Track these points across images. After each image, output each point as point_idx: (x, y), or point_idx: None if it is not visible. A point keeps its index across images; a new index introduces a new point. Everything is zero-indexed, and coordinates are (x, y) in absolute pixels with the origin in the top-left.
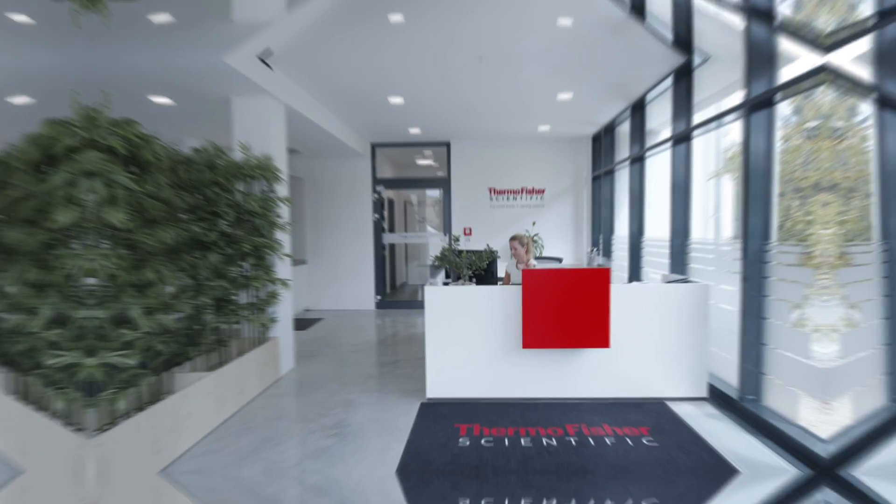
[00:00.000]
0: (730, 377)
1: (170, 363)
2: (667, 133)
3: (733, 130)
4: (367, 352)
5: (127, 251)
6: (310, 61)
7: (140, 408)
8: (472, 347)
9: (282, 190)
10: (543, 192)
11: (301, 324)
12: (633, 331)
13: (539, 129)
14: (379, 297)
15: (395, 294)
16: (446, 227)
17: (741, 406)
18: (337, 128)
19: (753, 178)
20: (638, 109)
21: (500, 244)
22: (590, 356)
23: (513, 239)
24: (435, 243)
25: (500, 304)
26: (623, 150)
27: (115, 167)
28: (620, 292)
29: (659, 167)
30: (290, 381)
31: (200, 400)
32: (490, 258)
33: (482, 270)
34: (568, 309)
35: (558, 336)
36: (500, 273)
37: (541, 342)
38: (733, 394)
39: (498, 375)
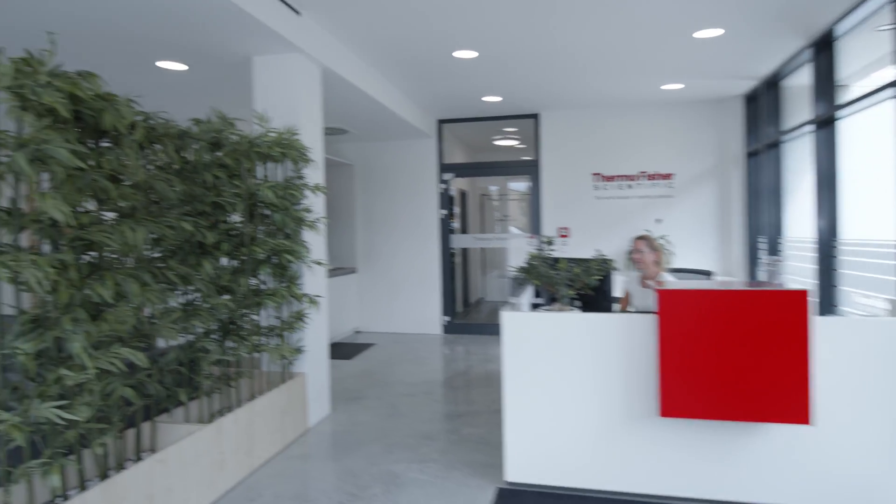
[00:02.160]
0: None
1: (155, 411)
2: (871, 82)
3: None
4: (428, 396)
5: (73, 256)
6: (350, 1)
7: (102, 476)
8: (577, 409)
9: (313, 175)
10: (671, 176)
11: (347, 350)
12: (851, 397)
13: (664, 89)
14: (448, 319)
15: (469, 314)
16: (535, 227)
17: None
18: (392, 98)
19: None
20: (824, 48)
21: (609, 249)
22: (776, 436)
23: (640, 239)
24: (521, 248)
25: (621, 343)
26: (796, 112)
27: (52, 135)
28: (825, 330)
29: (861, 135)
30: (319, 437)
31: (187, 465)
32: (602, 270)
33: (590, 289)
34: (737, 355)
35: (721, 400)
36: (617, 292)
37: (691, 408)
38: None
39: (618, 456)
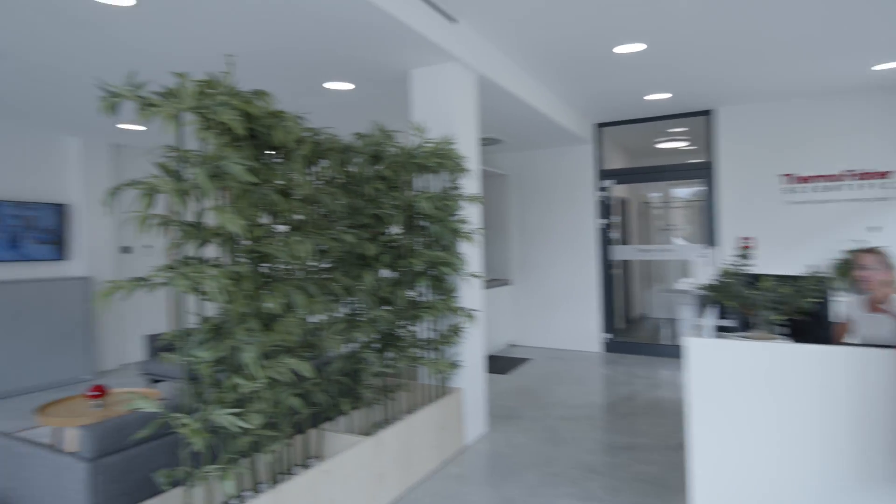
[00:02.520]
0: None
1: (316, 419)
2: None
3: None
4: (590, 422)
5: (249, 268)
6: (506, 2)
7: (272, 480)
8: (788, 461)
9: (469, 185)
10: (888, 175)
11: (502, 365)
12: None
13: (877, 70)
14: (609, 336)
15: (631, 331)
16: (708, 236)
17: None
18: (548, 103)
19: None
20: None
21: (806, 264)
22: None
23: (867, 253)
24: (691, 260)
25: (851, 384)
26: None
27: (228, 152)
28: None
29: None
30: (476, 457)
31: (350, 477)
32: (819, 291)
33: (805, 314)
34: None
35: None
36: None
37: None
38: None
39: None
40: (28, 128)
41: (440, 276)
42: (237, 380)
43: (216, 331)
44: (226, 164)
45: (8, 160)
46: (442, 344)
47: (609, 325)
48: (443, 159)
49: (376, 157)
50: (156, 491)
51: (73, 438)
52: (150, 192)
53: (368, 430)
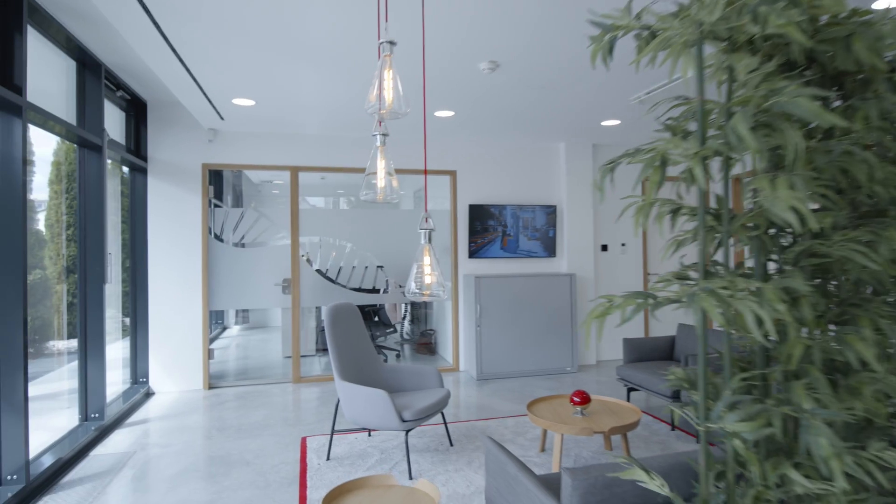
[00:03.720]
0: None
1: None
2: None
3: None
4: None
5: (807, 285)
6: None
7: None
8: None
9: None
10: None
11: None
12: None
13: None
14: None
15: None
16: None
17: None
18: None
19: None
20: None
21: None
22: None
23: None
24: None
25: None
26: None
27: (781, 83)
28: None
29: None
30: None
31: None
32: None
33: None
34: None
35: None
36: None
37: None
38: None
39: None
40: (531, 139)
41: None
42: (790, 472)
43: (757, 386)
44: (784, 102)
45: (513, 169)
46: None
47: None
48: None
49: None
50: None
51: (557, 443)
52: (659, 162)
53: None
